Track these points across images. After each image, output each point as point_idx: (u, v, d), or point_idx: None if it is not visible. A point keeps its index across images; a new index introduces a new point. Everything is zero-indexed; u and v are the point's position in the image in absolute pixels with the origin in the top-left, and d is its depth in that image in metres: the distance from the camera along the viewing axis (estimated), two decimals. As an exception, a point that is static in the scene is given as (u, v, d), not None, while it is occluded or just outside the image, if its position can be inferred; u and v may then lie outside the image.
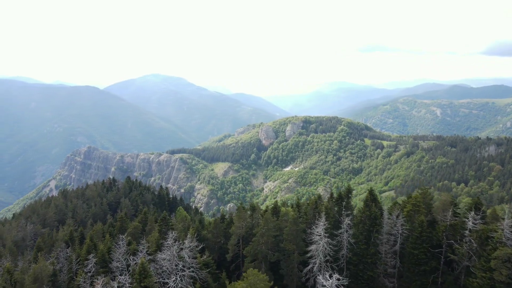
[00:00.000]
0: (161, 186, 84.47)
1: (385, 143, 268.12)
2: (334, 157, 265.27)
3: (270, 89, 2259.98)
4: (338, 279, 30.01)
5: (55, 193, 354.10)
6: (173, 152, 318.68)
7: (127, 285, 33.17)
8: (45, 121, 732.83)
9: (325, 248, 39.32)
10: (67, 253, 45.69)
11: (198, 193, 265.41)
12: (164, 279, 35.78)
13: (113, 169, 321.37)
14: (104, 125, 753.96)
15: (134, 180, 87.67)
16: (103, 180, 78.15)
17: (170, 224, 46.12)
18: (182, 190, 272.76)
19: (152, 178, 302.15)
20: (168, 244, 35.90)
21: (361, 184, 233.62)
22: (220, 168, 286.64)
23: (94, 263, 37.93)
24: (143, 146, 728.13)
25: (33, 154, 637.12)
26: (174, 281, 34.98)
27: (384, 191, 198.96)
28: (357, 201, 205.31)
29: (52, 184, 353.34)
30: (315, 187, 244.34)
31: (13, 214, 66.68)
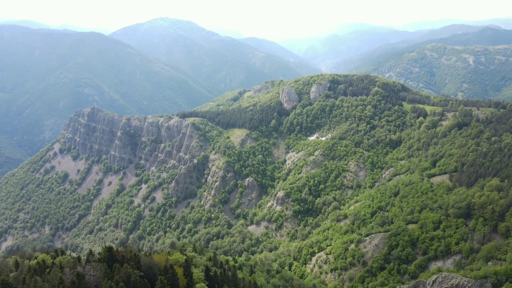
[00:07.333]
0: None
1: (428, 108, 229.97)
2: (368, 126, 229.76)
3: (284, 32, 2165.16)
4: None
5: (59, 157, 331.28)
6: (184, 116, 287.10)
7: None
8: (51, 70, 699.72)
9: None
10: None
11: (212, 165, 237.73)
12: None
13: (119, 133, 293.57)
14: (112, 75, 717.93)
15: (119, 256, 58.46)
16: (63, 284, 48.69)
17: None
18: (195, 161, 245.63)
19: (162, 145, 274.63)
20: None
21: (401, 160, 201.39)
22: (236, 135, 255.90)
23: None
24: (153, 97, 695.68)
25: (41, 106, 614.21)
26: None
27: (433, 175, 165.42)
28: (400, 185, 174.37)
29: (57, 147, 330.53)
30: (345, 161, 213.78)
31: None
